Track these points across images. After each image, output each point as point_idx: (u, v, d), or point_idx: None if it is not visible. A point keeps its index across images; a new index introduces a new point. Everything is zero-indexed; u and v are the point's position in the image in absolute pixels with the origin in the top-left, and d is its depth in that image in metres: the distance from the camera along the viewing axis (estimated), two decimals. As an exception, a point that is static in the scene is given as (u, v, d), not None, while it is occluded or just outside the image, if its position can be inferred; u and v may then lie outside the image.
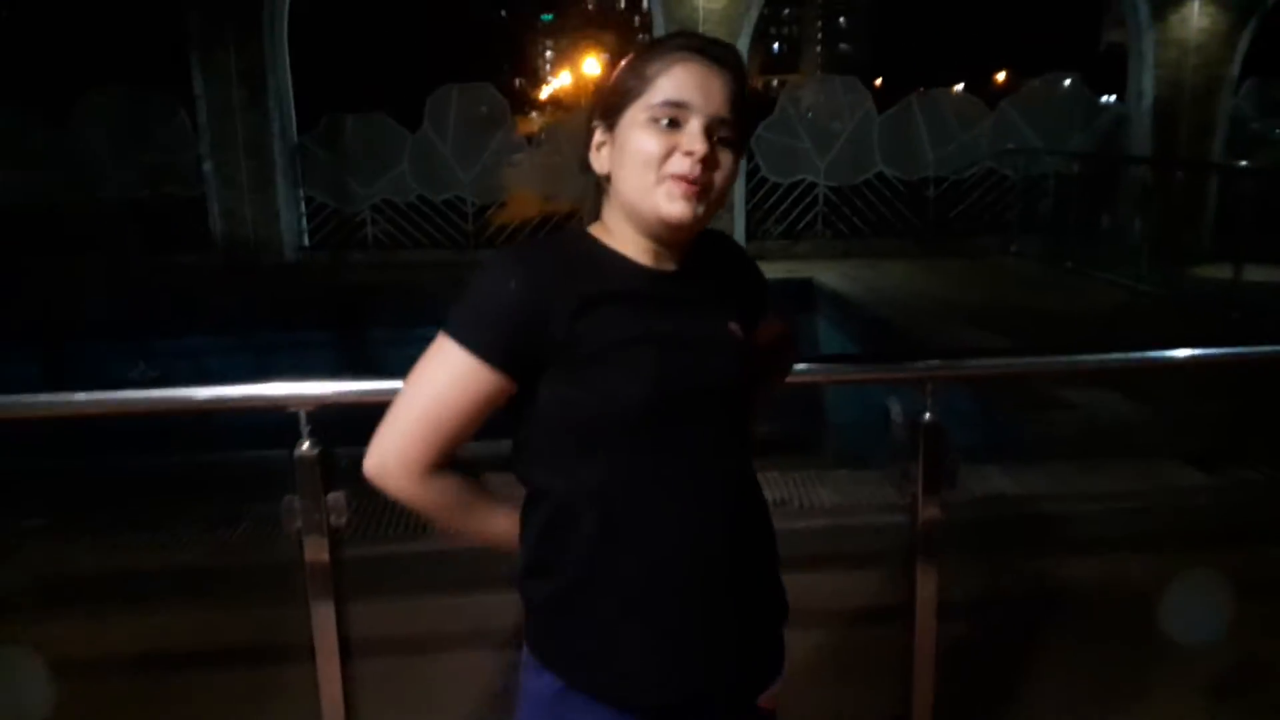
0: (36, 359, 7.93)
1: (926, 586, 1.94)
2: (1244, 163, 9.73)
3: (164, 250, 10.00)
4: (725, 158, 1.10)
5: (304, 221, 10.32)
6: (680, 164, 1.07)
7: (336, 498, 1.72)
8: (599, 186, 1.18)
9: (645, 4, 10.18)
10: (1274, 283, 7.14)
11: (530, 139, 11.25)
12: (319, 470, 1.70)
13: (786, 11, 78.35)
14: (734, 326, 1.18)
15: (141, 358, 7.69)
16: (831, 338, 8.10)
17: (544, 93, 59.39)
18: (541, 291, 1.06)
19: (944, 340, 6.12)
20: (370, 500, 1.26)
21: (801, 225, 10.40)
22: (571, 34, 71.27)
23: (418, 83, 11.29)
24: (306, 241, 10.35)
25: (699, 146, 1.07)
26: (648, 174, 1.08)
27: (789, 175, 10.27)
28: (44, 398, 1.72)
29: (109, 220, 9.91)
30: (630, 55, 1.15)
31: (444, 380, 1.08)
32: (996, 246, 9.99)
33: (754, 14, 9.76)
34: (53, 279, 9.10)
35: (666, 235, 1.12)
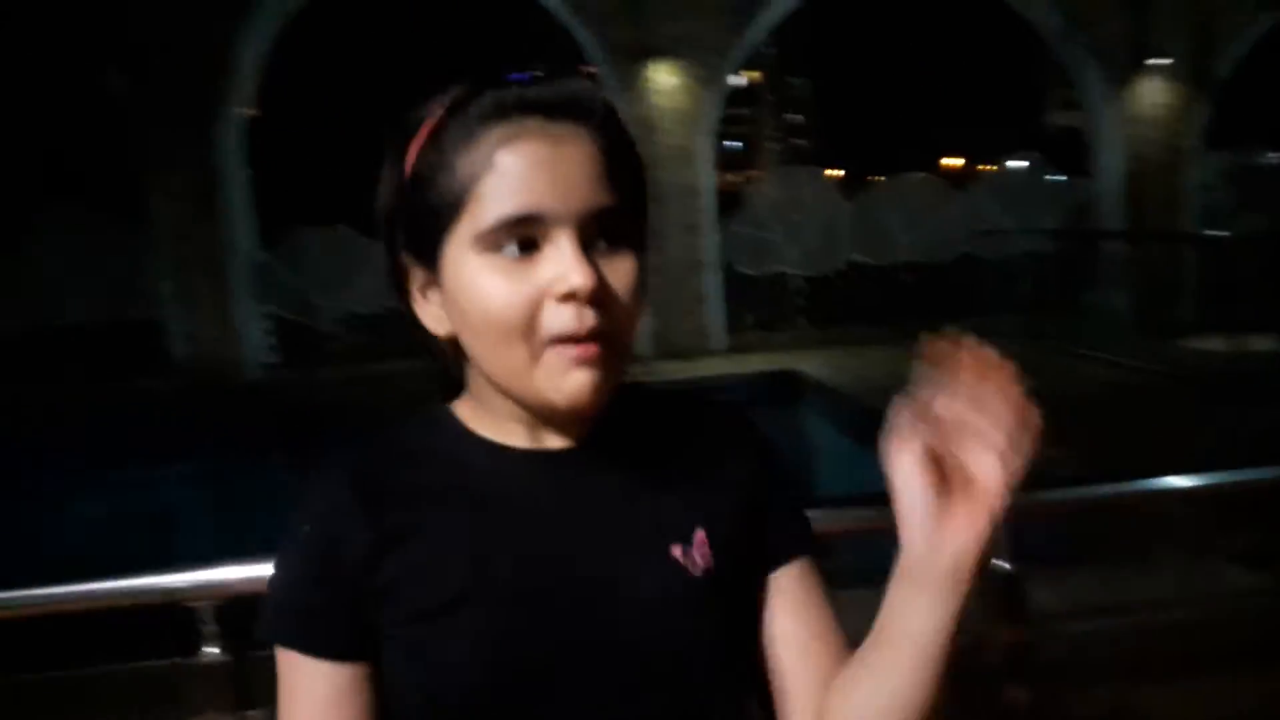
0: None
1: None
2: (1215, 233, 9.73)
3: (120, 376, 9.59)
4: (621, 264, 0.70)
5: (269, 339, 10.00)
6: (560, 318, 0.67)
7: (255, 717, 1.33)
8: (437, 348, 0.77)
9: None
10: (1271, 351, 6.96)
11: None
12: (232, 683, 1.31)
13: (746, 110, 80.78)
14: (681, 551, 0.72)
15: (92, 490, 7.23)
16: (822, 431, 7.82)
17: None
18: (337, 526, 0.71)
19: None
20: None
21: (779, 316, 10.23)
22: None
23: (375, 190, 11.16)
24: (273, 359, 10.01)
25: (580, 279, 0.66)
26: (514, 349, 0.68)
27: (762, 267, 10.15)
28: None
29: (61, 347, 9.52)
30: (421, 123, 0.71)
31: (293, 700, 0.72)
32: (977, 329, 9.80)
33: (713, 112, 9.77)
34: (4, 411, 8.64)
35: (561, 418, 0.73)
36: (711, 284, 9.97)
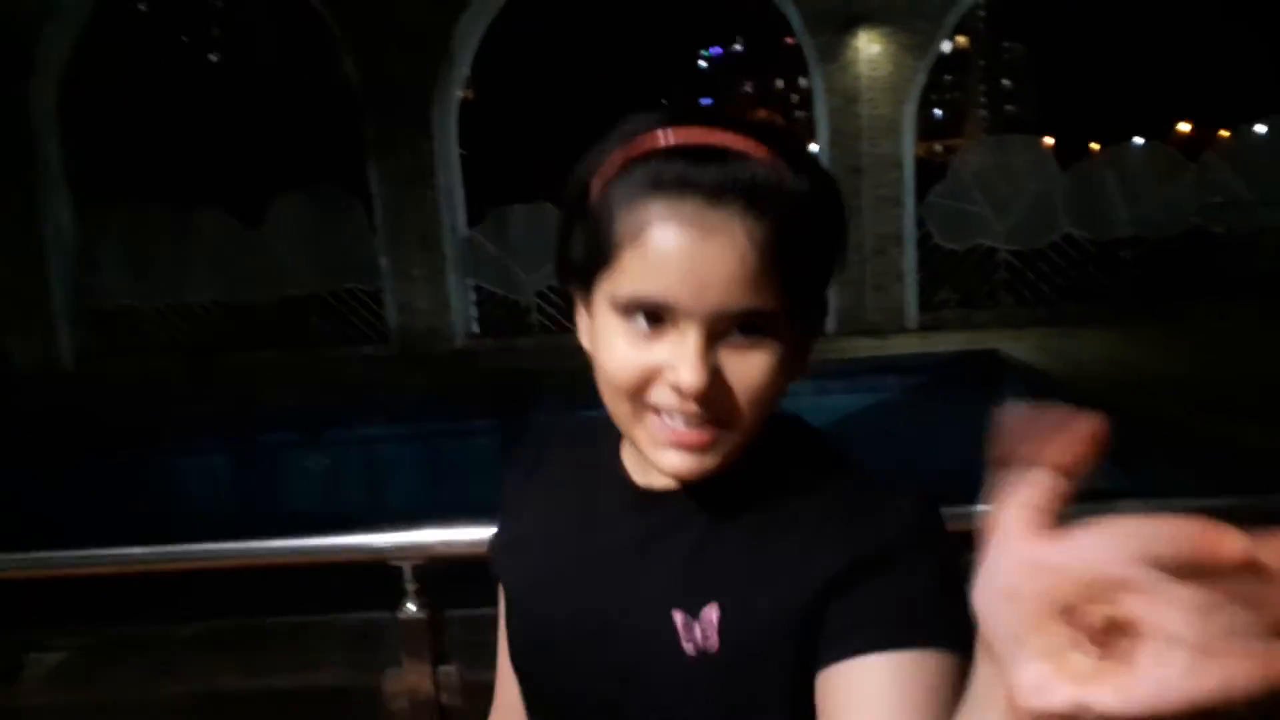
0: (222, 450, 8.29)
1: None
2: None
3: (345, 342, 10.44)
4: (755, 357, 0.67)
5: (473, 309, 10.57)
6: (665, 398, 0.67)
7: (449, 672, 1.42)
8: None
9: (803, 81, 10.01)
10: None
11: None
12: (429, 637, 1.42)
13: (948, 78, 77.00)
14: (682, 619, 0.69)
15: (317, 450, 7.89)
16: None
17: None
18: (506, 482, 0.89)
19: (1172, 422, 5.36)
20: (489, 675, 0.97)
21: (981, 293, 9.78)
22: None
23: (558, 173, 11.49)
24: (476, 329, 10.58)
25: (690, 379, 0.65)
26: (621, 403, 0.70)
27: (964, 241, 9.71)
28: (83, 553, 1.55)
29: (294, 315, 10.47)
30: (595, 159, 0.71)
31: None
32: (1208, 311, 9.02)
33: (921, 79, 9.40)
34: (243, 373, 9.60)
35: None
36: (908, 258, 9.67)
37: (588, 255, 0.70)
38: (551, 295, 10.39)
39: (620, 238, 0.66)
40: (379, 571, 1.46)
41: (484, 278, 10.51)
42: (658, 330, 0.67)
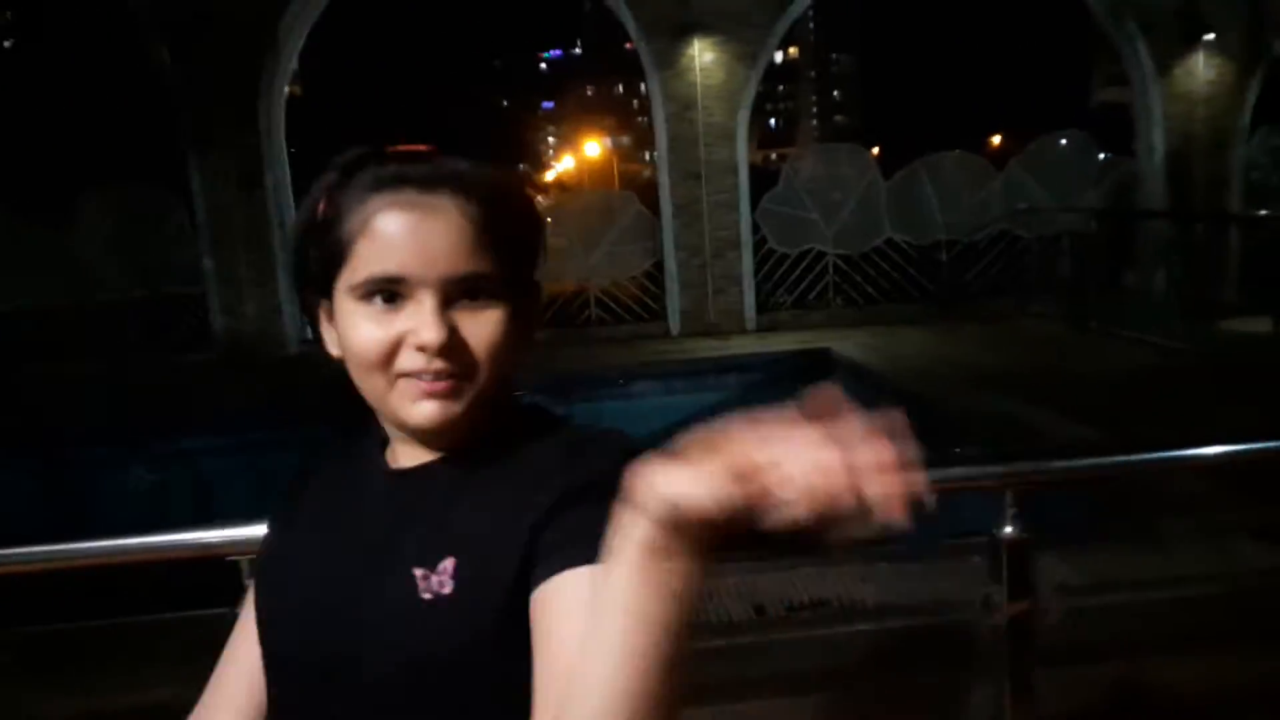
0: (32, 470, 7.65)
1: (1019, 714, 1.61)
2: (1263, 212, 9.51)
3: (164, 350, 9.81)
4: (484, 317, 0.77)
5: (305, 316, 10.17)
6: (411, 361, 0.77)
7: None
8: None
9: (643, 86, 10.17)
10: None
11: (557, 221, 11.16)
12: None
13: (781, 88, 79.93)
14: (423, 574, 0.75)
15: (140, 462, 7.41)
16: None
17: (547, 176, 60.32)
18: (278, 496, 0.92)
19: (976, 409, 5.80)
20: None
21: (813, 295, 10.20)
22: (571, 119, 72.69)
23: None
24: (309, 334, 10.17)
25: (431, 336, 0.75)
26: (374, 378, 0.79)
27: (796, 245, 10.10)
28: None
29: (107, 321, 9.75)
30: (319, 185, 0.81)
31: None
32: (1015, 309, 9.73)
33: (753, 89, 9.71)
34: (48, 385, 8.88)
35: (424, 439, 0.82)
36: (745, 262, 9.96)
37: (324, 262, 0.80)
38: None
39: (350, 234, 0.77)
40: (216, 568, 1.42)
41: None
42: (395, 307, 0.77)
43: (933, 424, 5.81)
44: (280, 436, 7.21)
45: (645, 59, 9.62)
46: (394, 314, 0.77)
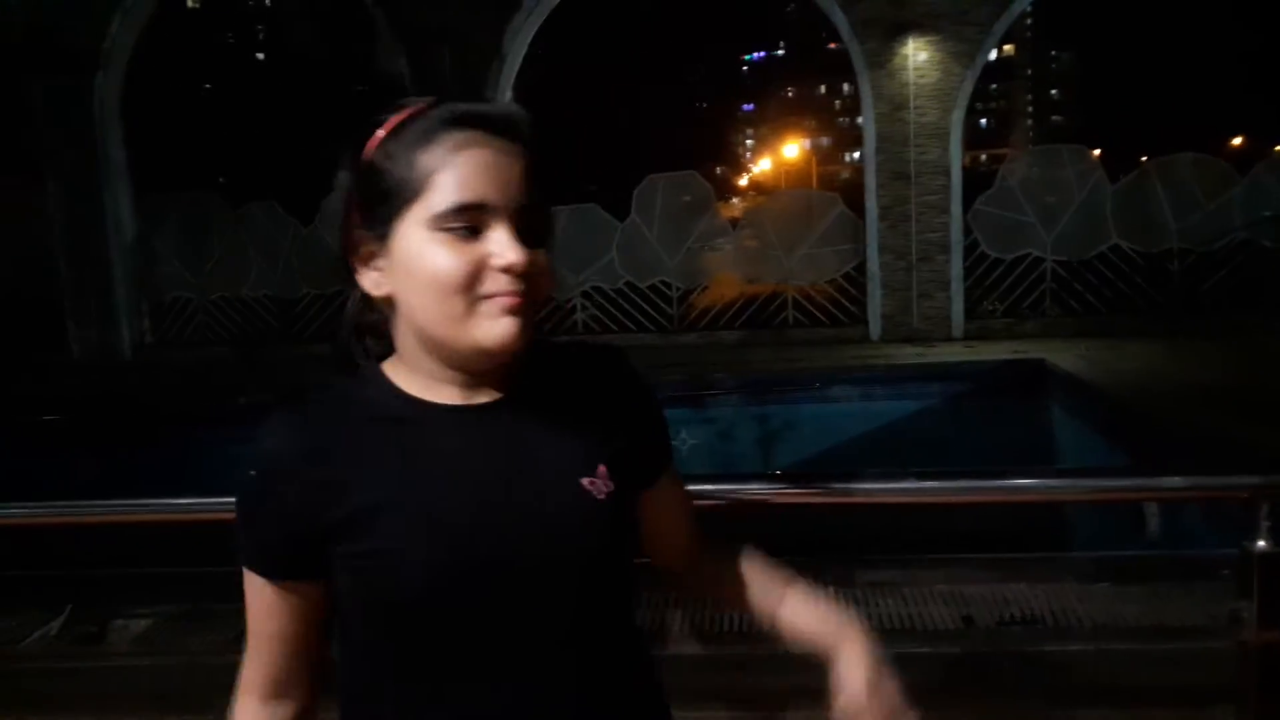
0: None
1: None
2: None
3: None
4: (539, 256, 0.86)
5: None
6: (497, 282, 0.84)
7: None
8: (371, 307, 0.93)
9: (846, 87, 10.05)
10: None
11: (734, 224, 11.29)
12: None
13: (994, 86, 76.26)
14: (590, 481, 0.89)
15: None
16: (1067, 428, 7.41)
17: (745, 179, 60.32)
18: (284, 474, 0.86)
19: (1203, 433, 5.37)
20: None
21: (1027, 303, 9.76)
22: (771, 121, 72.28)
23: (626, 174, 11.61)
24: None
25: (515, 257, 0.83)
26: (454, 301, 0.83)
27: (1011, 250, 9.70)
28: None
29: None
30: (378, 130, 0.87)
31: (250, 604, 0.93)
32: (1256, 325, 8.92)
33: (968, 87, 9.42)
34: (291, 363, 9.77)
35: (486, 363, 0.88)
36: (955, 266, 9.67)
37: (388, 200, 0.85)
38: (595, 295, 10.51)
39: (429, 168, 0.83)
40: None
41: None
42: (472, 237, 0.83)
43: (1153, 447, 5.46)
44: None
45: (856, 59, 9.52)
46: (473, 243, 0.83)
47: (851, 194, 10.46)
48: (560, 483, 0.88)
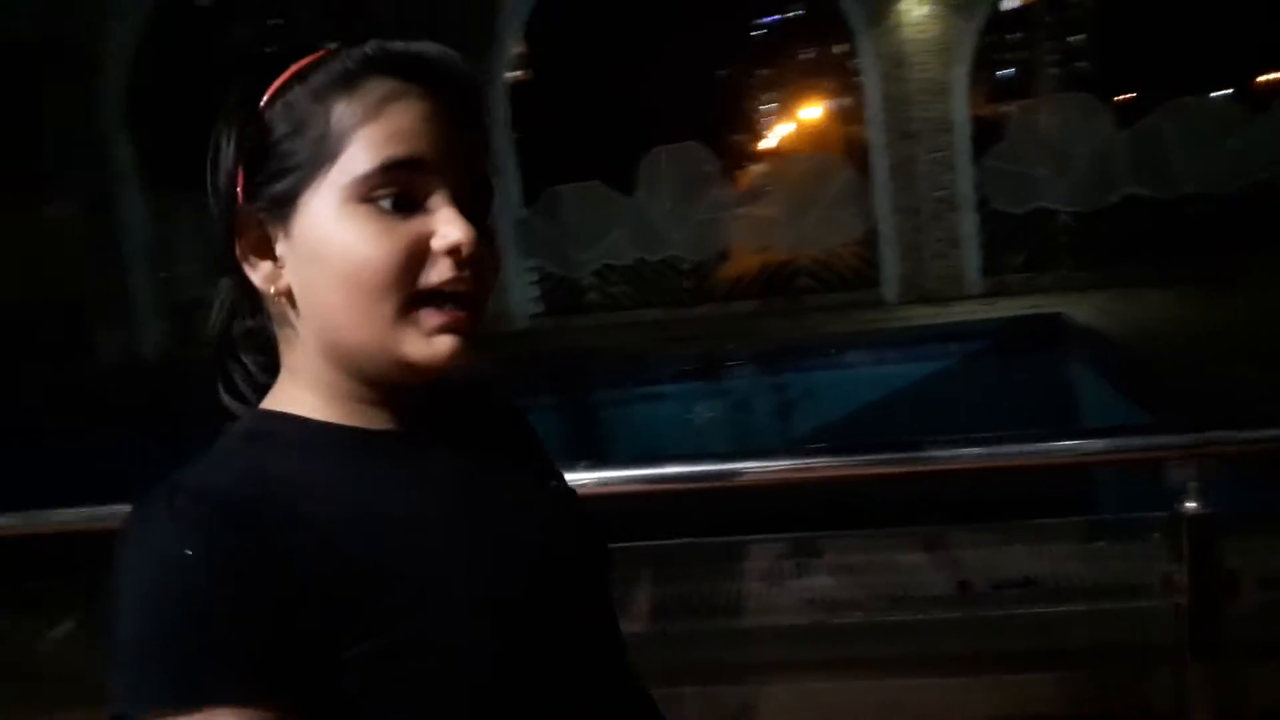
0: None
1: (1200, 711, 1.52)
2: None
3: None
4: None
5: (532, 290, 10.73)
6: (442, 271, 0.64)
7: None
8: (252, 311, 0.72)
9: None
10: None
11: (752, 192, 11.18)
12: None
13: (1013, 36, 74.72)
14: (554, 482, 0.81)
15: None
16: (1088, 383, 7.28)
17: (763, 145, 59.75)
18: (230, 575, 0.57)
19: (1236, 388, 5.23)
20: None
21: (1044, 256, 9.59)
22: (790, 85, 71.40)
23: (635, 148, 11.52)
24: (536, 309, 10.75)
25: (463, 235, 0.64)
26: (381, 300, 0.63)
27: (1024, 204, 9.52)
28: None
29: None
30: (257, 73, 0.68)
31: None
32: (1272, 268, 8.69)
33: (969, 41, 9.23)
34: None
35: (400, 380, 0.68)
36: (967, 223, 9.52)
37: (290, 166, 0.65)
38: (607, 273, 10.50)
39: (348, 122, 0.64)
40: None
41: (540, 257, 10.66)
42: (405, 212, 0.64)
43: (1175, 399, 5.34)
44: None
45: (854, 17, 9.37)
46: (403, 220, 0.64)
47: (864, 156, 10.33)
48: (545, 484, 0.78)
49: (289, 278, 0.66)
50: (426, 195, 0.65)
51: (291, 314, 0.67)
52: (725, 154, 13.66)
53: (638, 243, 10.39)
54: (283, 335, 0.70)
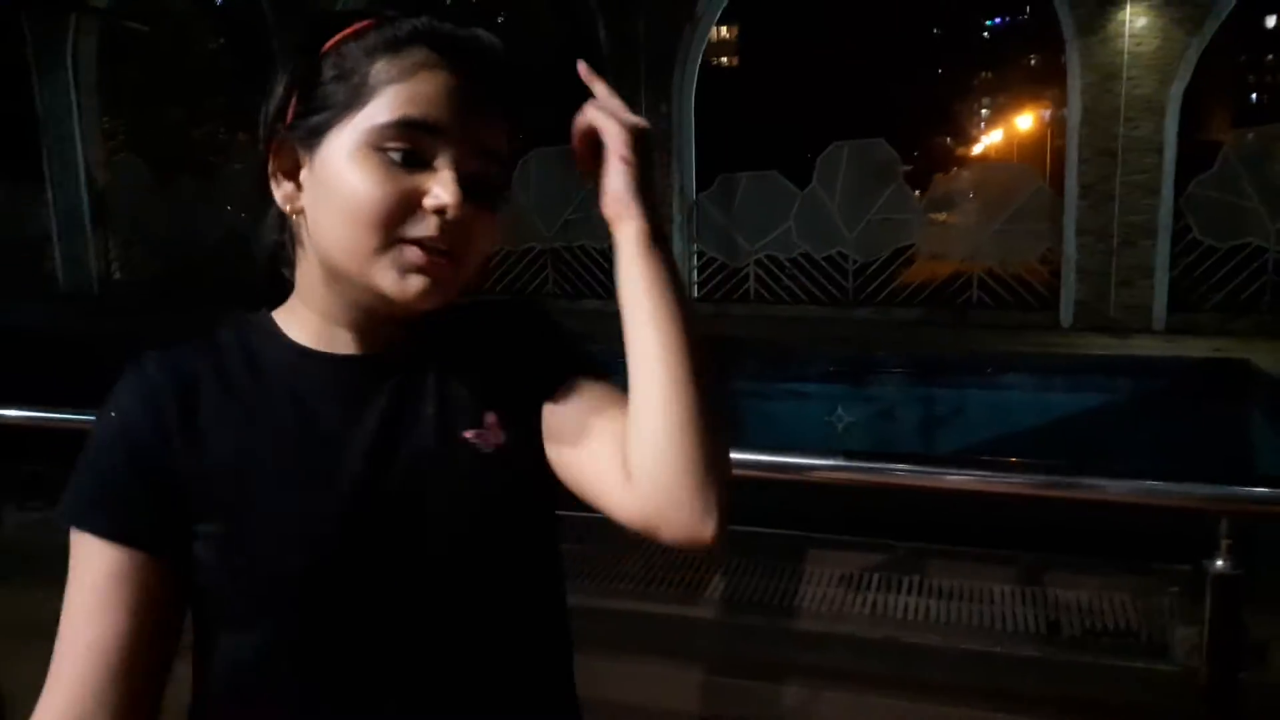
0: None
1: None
2: None
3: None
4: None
5: (694, 274, 10.80)
6: (423, 225, 0.72)
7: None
8: (283, 228, 0.80)
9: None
10: None
11: (937, 197, 10.79)
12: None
13: (1270, 57, 67.99)
14: (475, 433, 0.78)
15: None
16: (1268, 437, 6.68)
17: (967, 150, 57.24)
18: (143, 420, 0.74)
19: None
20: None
21: (1244, 296, 8.80)
22: (1009, 90, 67.94)
23: (821, 139, 11.34)
24: (694, 295, 10.83)
25: (451, 199, 0.71)
26: (368, 234, 0.71)
27: (1229, 238, 8.76)
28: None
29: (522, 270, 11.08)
30: (324, 24, 0.76)
31: (73, 574, 0.74)
32: None
33: (1192, 58, 8.53)
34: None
35: (387, 310, 0.76)
36: (1161, 252, 8.86)
37: (327, 104, 0.73)
38: (768, 264, 10.43)
39: (385, 78, 0.72)
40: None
41: (705, 243, 10.71)
42: (410, 167, 0.72)
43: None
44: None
45: (1065, 25, 8.85)
46: (407, 173, 0.72)
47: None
48: (441, 436, 0.78)
49: (304, 200, 0.76)
50: (433, 157, 0.73)
51: (305, 234, 0.77)
52: (923, 155, 13.21)
53: (806, 236, 10.26)
54: (298, 255, 0.79)
